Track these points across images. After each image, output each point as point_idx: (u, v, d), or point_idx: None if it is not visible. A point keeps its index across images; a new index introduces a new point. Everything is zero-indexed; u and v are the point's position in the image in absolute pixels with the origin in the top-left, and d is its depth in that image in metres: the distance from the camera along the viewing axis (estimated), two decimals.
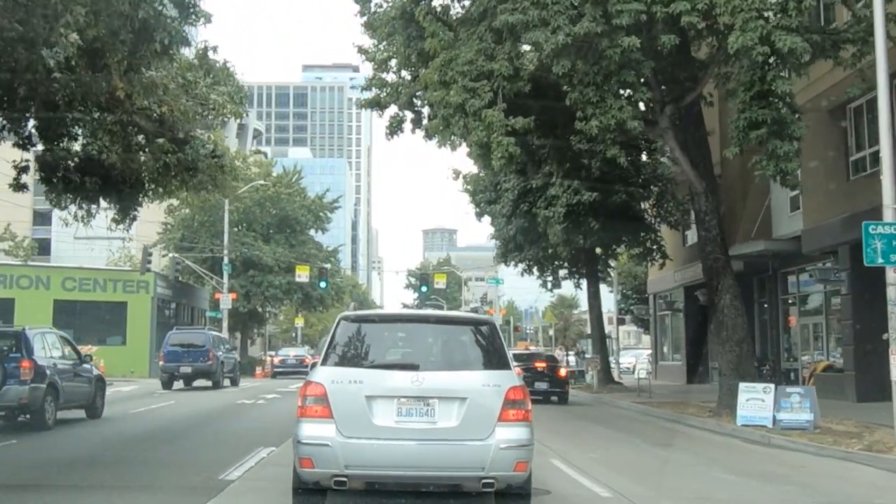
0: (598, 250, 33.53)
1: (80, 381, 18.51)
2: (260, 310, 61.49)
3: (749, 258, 28.63)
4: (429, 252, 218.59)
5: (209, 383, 33.31)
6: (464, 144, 20.65)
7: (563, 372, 28.03)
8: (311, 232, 61.54)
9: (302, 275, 53.97)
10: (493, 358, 8.56)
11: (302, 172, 62.98)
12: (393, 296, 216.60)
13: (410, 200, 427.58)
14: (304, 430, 7.93)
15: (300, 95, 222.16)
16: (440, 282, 60.95)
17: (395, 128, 22.67)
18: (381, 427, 7.84)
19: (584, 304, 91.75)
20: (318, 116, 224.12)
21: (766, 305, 31.41)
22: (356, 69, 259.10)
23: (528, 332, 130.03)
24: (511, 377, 8.32)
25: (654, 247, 32.34)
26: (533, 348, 61.77)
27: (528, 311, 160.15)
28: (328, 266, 56.98)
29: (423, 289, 59.02)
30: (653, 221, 31.78)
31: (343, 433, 7.80)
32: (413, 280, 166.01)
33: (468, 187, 35.09)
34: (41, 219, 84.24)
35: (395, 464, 7.86)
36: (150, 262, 49.37)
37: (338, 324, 8.73)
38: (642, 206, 30.58)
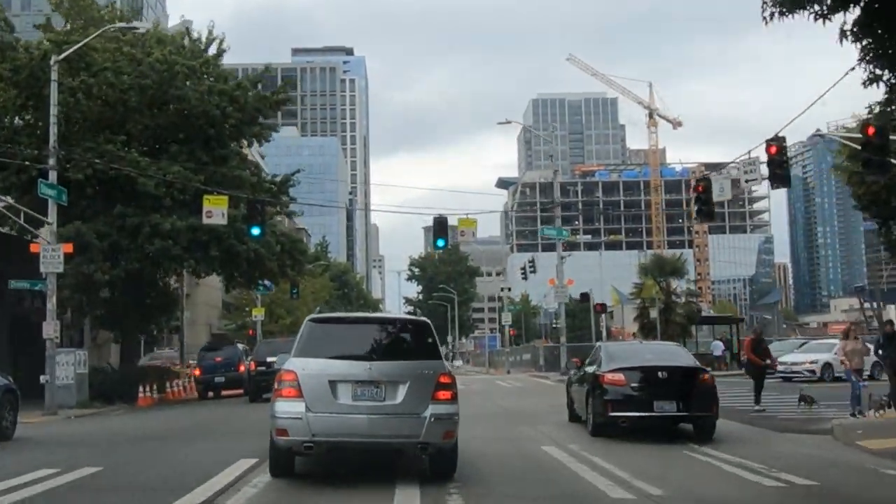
0: None
1: None
2: (162, 284, 34.39)
3: None
4: (431, 248, 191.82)
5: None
6: None
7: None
8: (247, 149, 34.60)
9: (214, 211, 27.09)
10: (427, 350, 10.15)
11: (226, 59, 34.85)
12: (393, 293, 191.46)
13: (410, 199, 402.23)
14: (279, 407, 9.55)
15: (289, 78, 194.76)
16: (466, 230, 34.09)
17: None
18: (341, 404, 9.47)
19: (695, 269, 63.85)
20: (309, 100, 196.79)
21: None
22: (349, 52, 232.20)
23: (554, 324, 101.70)
24: (441, 366, 9.97)
25: None
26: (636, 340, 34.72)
27: (545, 306, 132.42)
28: (264, 200, 29.93)
29: (440, 243, 32.62)
30: None
31: (311, 409, 9.41)
32: (416, 270, 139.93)
33: None
34: None
35: (352, 433, 9.47)
36: None
37: (305, 325, 10.46)
38: None
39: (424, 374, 9.66)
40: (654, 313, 38.06)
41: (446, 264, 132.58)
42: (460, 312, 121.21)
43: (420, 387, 9.53)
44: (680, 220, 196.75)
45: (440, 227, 32.55)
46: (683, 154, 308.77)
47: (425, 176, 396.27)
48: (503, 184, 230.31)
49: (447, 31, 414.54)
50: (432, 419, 9.40)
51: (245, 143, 32.90)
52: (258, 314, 55.73)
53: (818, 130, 40.74)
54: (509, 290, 59.72)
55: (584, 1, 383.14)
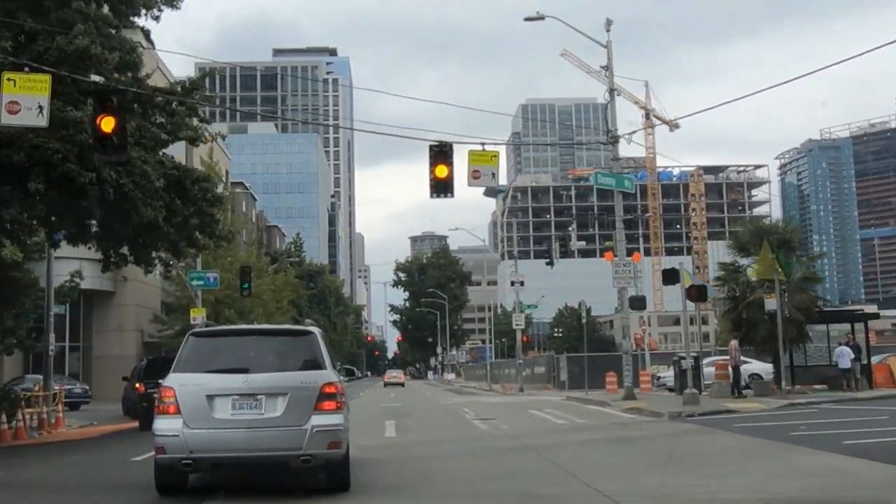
0: None
1: None
2: None
3: None
4: (419, 253, 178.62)
5: None
6: None
7: None
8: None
9: (24, 102, 13.55)
10: (311, 360, 9.53)
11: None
12: (379, 303, 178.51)
13: (397, 210, 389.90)
14: (158, 425, 9.04)
15: (269, 77, 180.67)
16: (481, 168, 20.55)
17: None
18: (219, 419, 8.89)
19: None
20: (290, 100, 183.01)
21: None
22: (333, 52, 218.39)
23: (557, 333, 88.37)
24: (326, 375, 9.35)
25: None
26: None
27: (534, 316, 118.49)
28: (130, 89, 16.38)
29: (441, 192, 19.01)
30: None
31: (189, 425, 8.84)
32: (402, 275, 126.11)
33: None
34: None
35: (232, 448, 8.88)
36: None
37: (187, 339, 9.74)
38: None
39: (306, 384, 9.19)
40: (771, 304, 23.75)
41: (435, 268, 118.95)
42: (451, 321, 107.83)
43: (301, 398, 9.07)
44: (678, 226, 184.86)
45: (439, 158, 19.13)
46: (675, 159, 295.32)
47: (413, 185, 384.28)
48: (492, 192, 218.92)
49: (433, 39, 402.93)
50: (314, 430, 8.97)
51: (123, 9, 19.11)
52: (197, 315, 41.74)
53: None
54: (522, 283, 46.00)
55: (573, 8, 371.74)
